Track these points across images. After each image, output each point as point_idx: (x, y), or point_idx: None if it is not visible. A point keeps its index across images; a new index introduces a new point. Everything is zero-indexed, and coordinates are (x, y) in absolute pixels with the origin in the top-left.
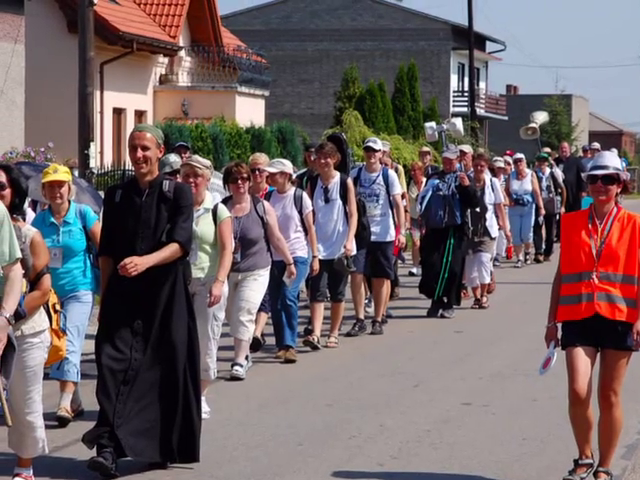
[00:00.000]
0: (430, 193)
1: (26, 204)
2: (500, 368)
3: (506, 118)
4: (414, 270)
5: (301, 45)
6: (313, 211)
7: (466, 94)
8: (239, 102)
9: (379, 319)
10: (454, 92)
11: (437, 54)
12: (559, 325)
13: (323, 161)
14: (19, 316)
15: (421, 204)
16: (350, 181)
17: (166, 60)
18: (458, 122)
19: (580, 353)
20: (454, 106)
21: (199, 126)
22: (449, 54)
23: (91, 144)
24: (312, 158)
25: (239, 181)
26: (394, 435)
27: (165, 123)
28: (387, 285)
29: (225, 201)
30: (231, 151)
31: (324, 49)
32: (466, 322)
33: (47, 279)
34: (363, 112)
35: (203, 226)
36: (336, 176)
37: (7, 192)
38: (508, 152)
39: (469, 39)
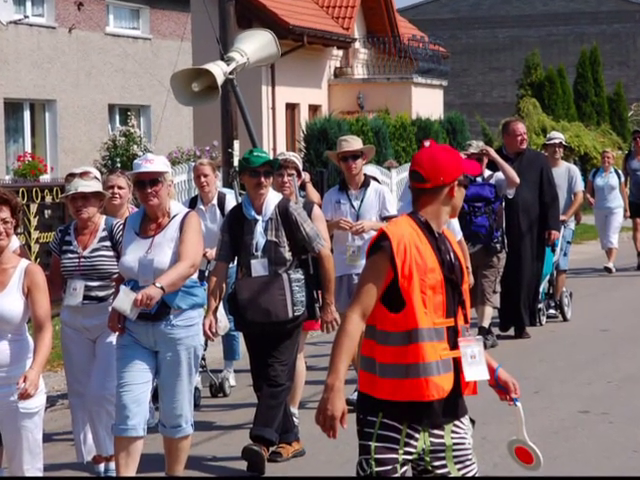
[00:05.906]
0: None
1: None
2: (635, 371)
3: None
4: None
5: (492, 32)
6: None
7: None
8: (416, 93)
9: None
10: None
11: (633, 36)
12: None
13: None
14: None
15: None
16: None
17: (340, 52)
18: None
19: None
20: None
21: (360, 120)
22: None
23: (235, 142)
24: None
25: None
26: (494, 449)
27: (332, 117)
28: None
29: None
30: (395, 144)
31: (515, 36)
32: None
33: None
34: (542, 99)
35: None
36: None
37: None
38: None
39: None
